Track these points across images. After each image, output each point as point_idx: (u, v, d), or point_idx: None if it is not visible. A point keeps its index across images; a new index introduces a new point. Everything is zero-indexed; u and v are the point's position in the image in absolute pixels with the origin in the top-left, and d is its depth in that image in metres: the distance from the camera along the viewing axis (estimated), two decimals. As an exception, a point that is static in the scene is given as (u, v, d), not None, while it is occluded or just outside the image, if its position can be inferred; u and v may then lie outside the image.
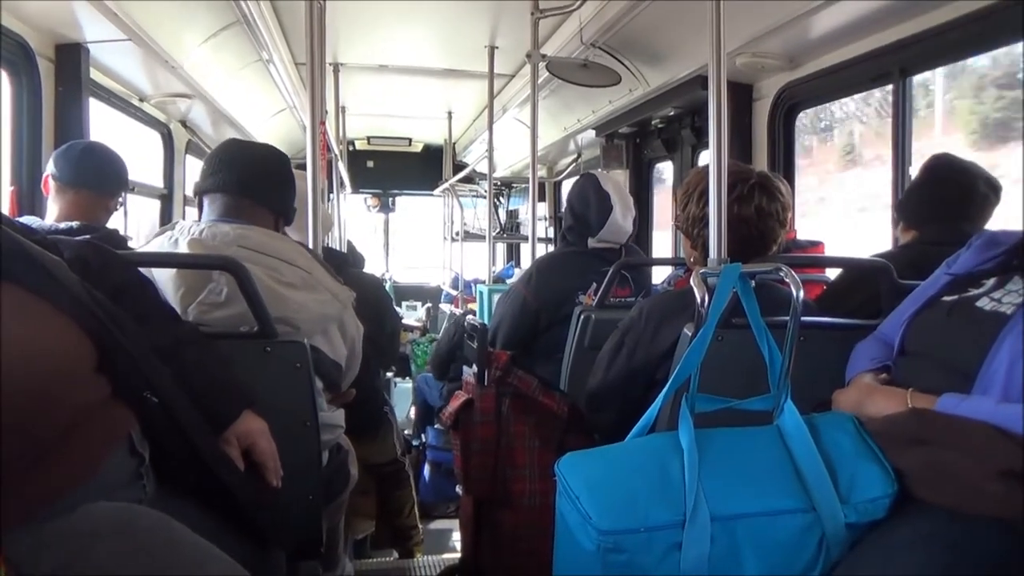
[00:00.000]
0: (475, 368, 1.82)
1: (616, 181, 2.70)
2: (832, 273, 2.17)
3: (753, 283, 1.26)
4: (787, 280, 1.23)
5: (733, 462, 1.10)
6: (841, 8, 2.29)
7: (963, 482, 0.99)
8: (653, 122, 4.10)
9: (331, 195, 4.44)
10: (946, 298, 1.24)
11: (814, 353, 1.41)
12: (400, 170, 7.47)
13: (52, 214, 2.07)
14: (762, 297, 1.25)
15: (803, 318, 1.23)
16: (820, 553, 1.05)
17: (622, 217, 2.52)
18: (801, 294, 1.20)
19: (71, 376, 0.89)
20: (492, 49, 3.98)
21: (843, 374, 1.37)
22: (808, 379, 1.28)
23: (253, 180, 1.68)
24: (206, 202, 1.69)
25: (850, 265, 1.98)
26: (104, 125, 3.13)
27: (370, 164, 7.34)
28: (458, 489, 2.10)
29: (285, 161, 1.80)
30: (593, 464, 1.11)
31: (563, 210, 2.71)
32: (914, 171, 2.25)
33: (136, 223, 3.65)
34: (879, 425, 1.13)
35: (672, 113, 3.83)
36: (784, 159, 3.02)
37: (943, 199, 1.93)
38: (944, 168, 1.98)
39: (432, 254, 7.96)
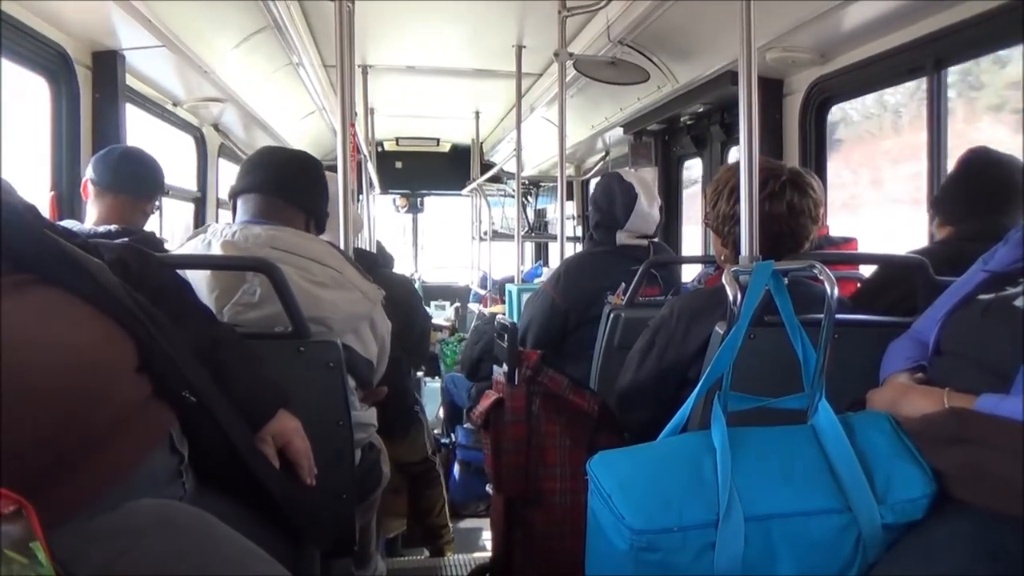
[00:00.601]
0: (505, 367, 1.83)
1: (638, 175, 2.71)
2: (866, 270, 2.14)
3: (786, 280, 1.25)
4: (821, 277, 1.21)
5: (767, 461, 1.09)
6: (872, 1, 2.26)
7: (1003, 483, 0.96)
8: (682, 119, 4.07)
9: (360, 196, 4.48)
10: (982, 296, 1.21)
11: (849, 351, 1.39)
12: (428, 170, 7.51)
13: (91, 218, 2.12)
14: (795, 294, 1.24)
15: (837, 316, 1.22)
16: (857, 554, 1.04)
17: (648, 205, 2.54)
18: (836, 291, 1.19)
19: (114, 376, 0.91)
20: (519, 48, 3.99)
21: (879, 372, 1.35)
22: (843, 377, 1.26)
23: (284, 180, 1.71)
24: (239, 203, 1.72)
25: (885, 262, 1.95)
26: (139, 129, 3.19)
27: (399, 165, 7.39)
28: (488, 488, 2.11)
29: (317, 165, 1.83)
30: (625, 463, 1.11)
31: (589, 210, 2.73)
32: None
33: (170, 225, 3.72)
34: (916, 424, 1.11)
35: (701, 109, 3.81)
36: (816, 155, 2.99)
37: (980, 193, 1.89)
38: (981, 162, 1.94)
39: (460, 254, 7.99)
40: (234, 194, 1.74)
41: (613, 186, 2.56)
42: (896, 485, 1.06)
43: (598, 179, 2.79)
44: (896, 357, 1.32)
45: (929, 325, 1.29)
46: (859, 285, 2.06)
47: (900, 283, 1.76)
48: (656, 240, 2.66)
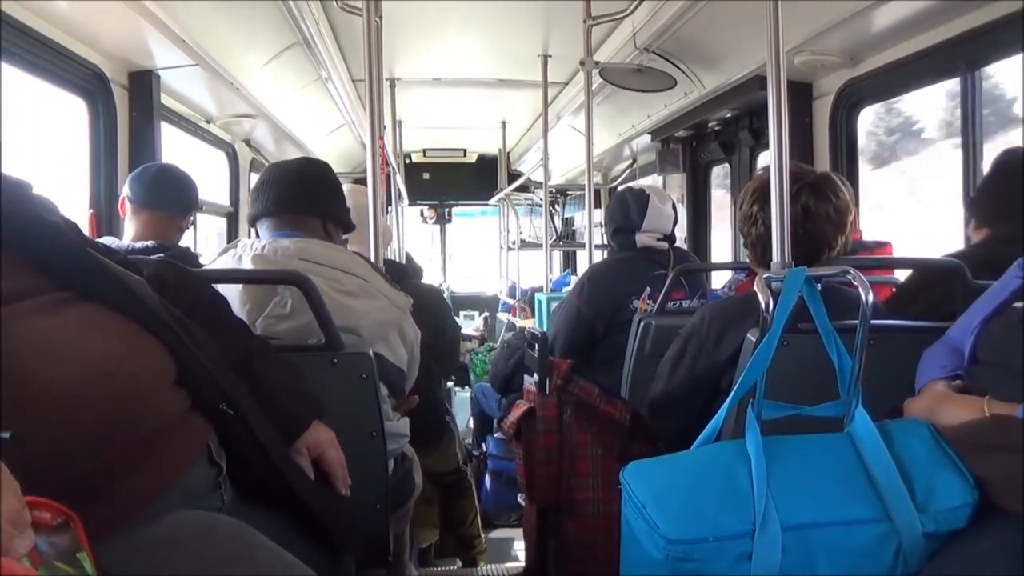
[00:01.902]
0: (536, 377, 1.83)
1: (646, 183, 2.77)
2: (902, 274, 2.11)
3: (819, 286, 1.24)
4: (855, 283, 1.20)
5: (803, 470, 1.07)
6: (902, 1, 2.22)
7: (1050, 491, 0.94)
8: (710, 124, 4.05)
9: (389, 207, 4.52)
10: (1017, 304, 1.18)
11: (885, 357, 1.37)
12: (456, 181, 7.55)
13: (128, 234, 2.17)
14: (830, 300, 1.23)
15: (873, 321, 1.20)
16: (897, 564, 1.02)
17: (661, 202, 2.60)
18: (871, 297, 1.17)
19: (154, 390, 0.93)
20: (545, 58, 4.00)
21: (915, 379, 1.32)
22: (879, 384, 1.24)
23: (292, 194, 1.73)
24: (259, 227, 1.76)
25: (920, 266, 1.92)
26: (172, 145, 3.25)
27: (426, 176, 7.45)
28: (520, 498, 2.11)
29: (322, 168, 1.84)
30: (658, 472, 1.10)
31: (605, 224, 2.80)
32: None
33: (204, 235, 3.79)
34: (956, 432, 1.09)
35: (729, 115, 3.78)
36: (847, 158, 2.95)
37: (1016, 194, 1.85)
38: (1016, 162, 1.90)
39: (489, 263, 8.01)
40: (251, 220, 1.77)
41: (624, 195, 2.66)
42: (937, 493, 1.03)
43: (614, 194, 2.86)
44: (931, 366, 1.30)
45: (964, 332, 1.26)
46: (894, 289, 2.03)
47: (936, 287, 1.73)
48: (676, 246, 2.67)
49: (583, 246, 4.19)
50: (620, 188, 2.84)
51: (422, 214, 7.87)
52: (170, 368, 0.98)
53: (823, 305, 1.19)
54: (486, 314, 6.89)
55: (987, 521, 1.01)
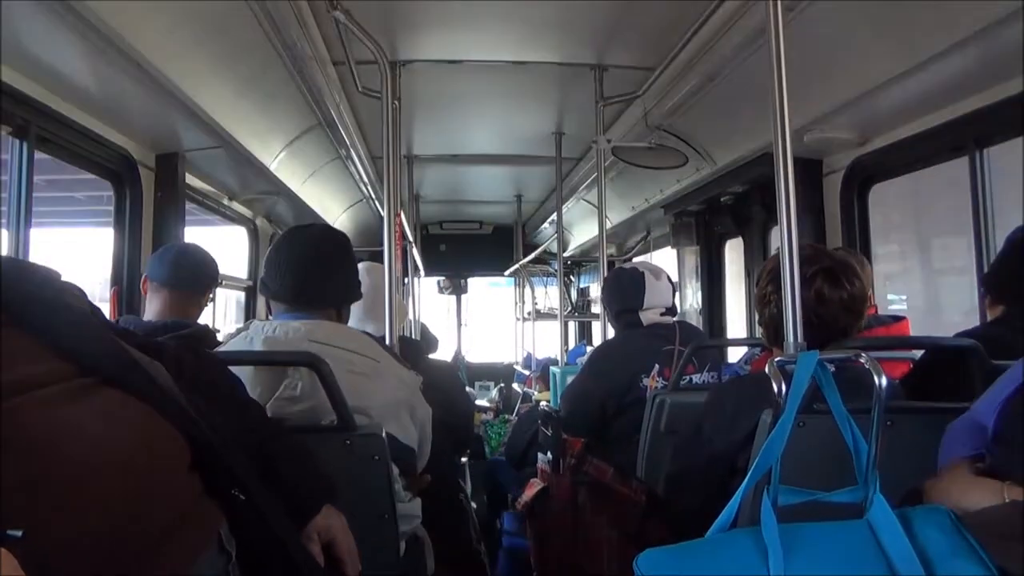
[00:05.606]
0: (550, 456, 1.81)
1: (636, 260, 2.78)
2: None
3: (832, 368, 1.23)
4: (868, 366, 1.19)
5: (822, 561, 1.05)
6: (911, 82, 2.27)
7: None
8: (722, 199, 4.09)
9: (406, 280, 4.56)
10: None
11: (902, 437, 1.35)
12: (472, 252, 7.62)
13: (149, 312, 2.20)
14: (846, 379, 1.22)
15: (889, 402, 1.19)
16: (920, 659, 0.98)
17: (656, 278, 2.63)
18: (884, 381, 1.16)
19: (171, 476, 0.94)
20: (559, 136, 4.10)
21: (934, 460, 1.30)
22: (897, 466, 1.22)
23: (314, 283, 1.74)
24: (272, 304, 1.78)
25: (936, 346, 1.89)
26: (194, 220, 3.33)
27: (442, 247, 7.53)
28: (535, 580, 2.06)
29: (342, 247, 1.82)
30: (673, 563, 1.08)
31: (605, 307, 2.82)
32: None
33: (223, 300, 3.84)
34: (976, 518, 1.07)
35: (741, 190, 3.82)
36: (860, 234, 2.96)
37: None
38: None
39: (504, 333, 8.02)
40: (266, 295, 1.79)
41: (619, 277, 2.70)
42: (961, 585, 1.00)
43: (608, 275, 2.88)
44: (955, 442, 1.28)
45: (989, 407, 1.25)
46: (912, 365, 2.00)
47: (955, 363, 1.70)
48: (681, 320, 2.68)
49: (598, 316, 4.19)
50: (612, 270, 2.86)
51: (439, 284, 7.93)
52: (185, 454, 0.99)
53: (837, 389, 1.19)
54: (501, 385, 6.85)
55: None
